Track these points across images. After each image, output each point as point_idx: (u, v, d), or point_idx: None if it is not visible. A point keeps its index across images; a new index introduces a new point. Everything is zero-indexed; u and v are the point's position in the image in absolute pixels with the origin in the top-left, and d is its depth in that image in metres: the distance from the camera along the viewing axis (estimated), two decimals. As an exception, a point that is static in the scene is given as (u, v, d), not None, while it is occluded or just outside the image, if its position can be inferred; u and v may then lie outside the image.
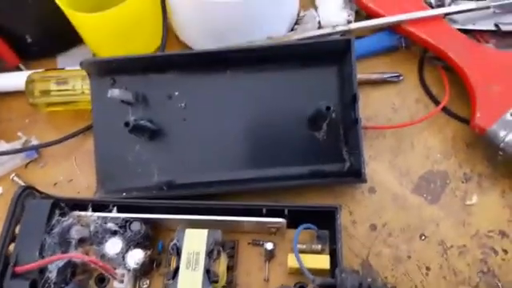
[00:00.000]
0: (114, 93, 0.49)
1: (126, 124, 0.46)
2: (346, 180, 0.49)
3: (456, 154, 0.52)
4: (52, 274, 0.40)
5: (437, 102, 0.54)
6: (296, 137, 0.49)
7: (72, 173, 0.55)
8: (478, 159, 0.51)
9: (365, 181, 0.47)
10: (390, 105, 0.54)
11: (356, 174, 0.47)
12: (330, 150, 0.49)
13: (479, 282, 0.45)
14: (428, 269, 0.46)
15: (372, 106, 0.54)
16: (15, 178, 0.55)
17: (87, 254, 0.42)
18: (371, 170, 0.50)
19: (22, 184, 0.53)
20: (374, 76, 0.56)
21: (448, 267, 0.46)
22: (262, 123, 0.50)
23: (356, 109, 0.47)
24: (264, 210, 0.43)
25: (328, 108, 0.45)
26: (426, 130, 0.53)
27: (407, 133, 0.53)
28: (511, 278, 0.45)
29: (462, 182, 0.50)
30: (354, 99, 0.48)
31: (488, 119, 0.48)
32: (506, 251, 0.47)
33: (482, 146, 0.51)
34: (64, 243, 0.42)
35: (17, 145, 0.56)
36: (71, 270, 0.43)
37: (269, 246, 0.43)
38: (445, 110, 0.53)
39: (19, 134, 0.57)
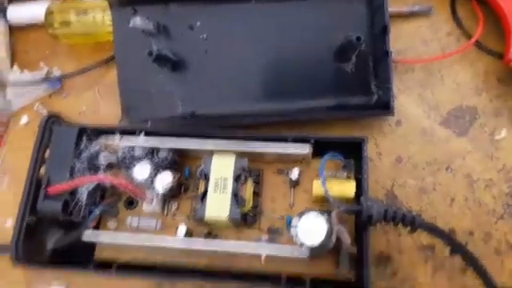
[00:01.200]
0: (136, 22, 0.48)
1: (150, 53, 0.45)
2: (374, 113, 0.48)
3: (487, 90, 0.50)
4: (82, 196, 0.41)
5: (469, 36, 0.52)
6: (323, 69, 0.48)
7: (95, 103, 0.55)
8: (509, 95, 0.50)
9: (392, 113, 0.46)
10: (420, 38, 0.53)
11: (384, 107, 0.46)
12: (358, 83, 0.48)
13: (504, 214, 0.45)
14: (453, 200, 0.46)
15: (402, 40, 0.52)
16: (39, 108, 0.55)
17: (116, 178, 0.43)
18: (399, 103, 0.49)
19: (46, 113, 0.53)
20: (405, 8, 0.54)
21: (473, 199, 0.46)
22: (288, 54, 0.49)
23: (387, 41, 0.46)
24: (289, 140, 0.43)
25: (358, 38, 0.44)
26: (456, 65, 0.52)
27: (437, 67, 0.51)
28: (536, 212, 0.45)
29: (492, 118, 0.49)
30: (385, 31, 0.46)
31: (523, 53, 0.47)
32: (532, 186, 0.46)
33: (515, 80, 0.50)
34: (93, 168, 0.42)
35: (39, 75, 0.55)
36: (100, 193, 0.44)
37: (294, 173, 0.43)
38: (477, 43, 0.52)
39: (41, 64, 0.56)
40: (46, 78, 0.55)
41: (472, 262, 0.38)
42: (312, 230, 0.38)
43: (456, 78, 0.51)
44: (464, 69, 0.51)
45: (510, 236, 0.44)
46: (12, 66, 0.56)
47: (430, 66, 0.52)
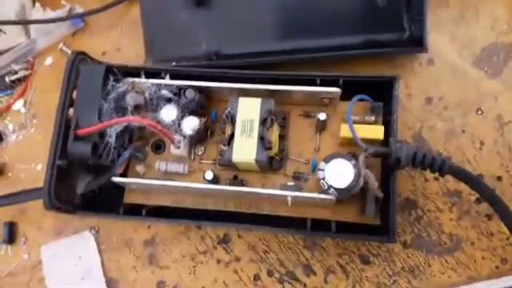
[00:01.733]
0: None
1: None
2: (406, 50, 0.46)
3: (525, 25, 0.48)
4: (111, 139, 0.41)
5: (509, -33, 0.49)
6: (353, 3, 0.46)
7: (119, 42, 0.54)
8: (549, 30, 0.47)
9: (426, 50, 0.44)
10: (456, -31, 0.50)
11: (417, 43, 0.45)
12: (390, 17, 0.46)
13: (534, 158, 0.45)
14: (482, 143, 0.45)
15: (437, -29, 0.50)
16: (64, 48, 0.55)
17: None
18: (431, 40, 0.47)
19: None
20: None
21: (503, 142, 0.45)
22: (317, -12, 0.47)
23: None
24: (318, 80, 0.42)
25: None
26: (493, -1, 0.49)
27: (473, 1, 0.49)
28: None
29: (528, 56, 0.47)
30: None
31: None
32: None
33: (556, 16, 0.47)
34: (120, 109, 0.42)
35: (62, 13, 0.55)
36: (129, 135, 0.44)
37: (322, 116, 0.42)
38: (517, -24, 0.48)
39: (63, 1, 0.55)
40: (69, 16, 0.54)
41: (500, 209, 0.38)
42: (339, 173, 0.38)
43: (492, 13, 0.49)
44: (501, 3, 0.49)
45: (540, 181, 0.44)
46: (34, 4, 0.55)
47: (466, 0, 0.49)
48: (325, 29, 0.47)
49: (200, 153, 0.45)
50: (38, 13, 0.55)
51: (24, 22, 0.54)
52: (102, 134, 0.41)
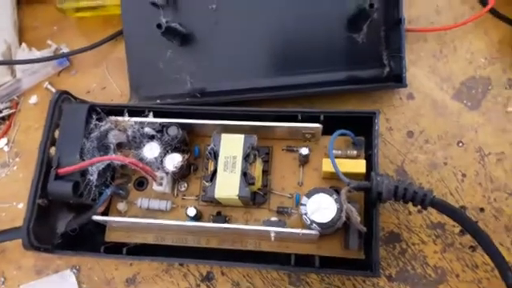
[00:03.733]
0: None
1: (159, 26, 0.45)
2: (385, 85, 0.47)
3: (501, 59, 0.49)
4: (93, 177, 0.41)
5: (484, 3, 0.50)
6: (333, 40, 0.47)
7: (104, 80, 0.55)
8: (523, 64, 0.49)
9: (405, 85, 0.45)
10: (433, 6, 0.51)
11: (396, 79, 0.46)
12: (369, 54, 0.47)
13: (516, 189, 0.45)
14: (464, 175, 0.46)
15: (414, 8, 0.51)
16: (49, 86, 0.55)
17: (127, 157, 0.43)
18: (410, 75, 0.48)
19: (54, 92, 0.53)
20: (417, -25, 0.52)
21: (485, 174, 0.46)
22: (298, 26, 0.48)
23: (400, 7, 0.45)
24: (299, 116, 0.43)
25: (371, 5, 0.43)
26: (470, 34, 0.50)
27: (450, 36, 0.50)
28: (548, 186, 0.45)
29: (505, 88, 0.48)
30: (398, -3, 0.45)
31: (540, 20, 0.45)
32: (545, 159, 0.46)
33: (530, 50, 0.48)
34: (102, 148, 0.42)
35: (47, 53, 0.55)
36: (111, 173, 0.44)
37: (304, 150, 0.43)
38: (492, 11, 0.50)
39: (49, 41, 0.56)
40: (55, 56, 0.55)
41: (483, 241, 0.38)
42: (321, 208, 0.38)
43: (469, 48, 0.50)
44: (478, 38, 0.50)
45: (522, 212, 0.44)
46: (20, 43, 0.56)
47: (443, 35, 0.50)
48: (307, 66, 0.48)
49: (183, 189, 0.45)
50: (23, 52, 0.55)
51: (10, 62, 0.55)
52: (83, 173, 0.41)
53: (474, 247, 0.43)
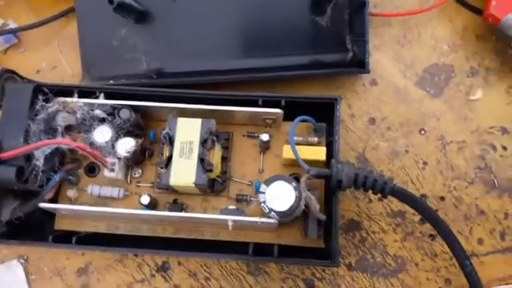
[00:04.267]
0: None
1: (110, 1, 0.42)
2: (348, 71, 0.46)
3: (464, 47, 0.49)
4: (39, 162, 0.38)
5: (449, -11, 0.50)
6: (296, 22, 0.46)
7: (55, 59, 0.51)
8: (486, 53, 0.48)
9: (368, 71, 0.44)
10: (398, -9, 0.50)
11: (359, 65, 0.45)
12: (333, 38, 0.46)
13: (475, 178, 0.45)
14: (425, 163, 0.45)
15: (379, -8, 0.50)
16: (-5, 64, 0.52)
17: (75, 141, 0.40)
18: (374, 61, 0.47)
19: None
20: (383, -42, 0.51)
21: (446, 162, 0.45)
22: (260, 6, 0.46)
23: (364, -10, 0.44)
24: (260, 101, 0.41)
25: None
26: (434, 20, 0.49)
27: (415, 22, 0.49)
28: (507, 175, 0.45)
29: (468, 77, 0.48)
30: (362, -21, 0.44)
31: (504, 8, 0.45)
32: (505, 148, 0.46)
33: (493, 38, 0.48)
34: (50, 131, 0.40)
35: (-7, 28, 0.52)
36: (59, 158, 0.41)
37: (264, 137, 0.41)
38: (457, -2, 0.49)
39: (-5, 16, 0.52)
40: (1, 31, 0.51)
41: (443, 230, 0.37)
42: (280, 196, 0.37)
43: (433, 34, 0.49)
44: (442, 24, 0.50)
45: (480, 201, 0.44)
46: (-38, 17, 0.52)
47: (408, 21, 0.50)
48: (268, 49, 0.46)
49: (137, 175, 0.43)
50: (-35, 27, 0.51)
51: (-50, 37, 0.51)
52: (28, 157, 0.38)
53: (434, 236, 0.43)
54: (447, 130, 0.46)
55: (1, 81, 0.40)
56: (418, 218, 0.44)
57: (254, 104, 0.41)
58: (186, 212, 0.41)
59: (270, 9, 0.46)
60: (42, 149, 0.38)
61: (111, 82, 0.46)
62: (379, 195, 0.38)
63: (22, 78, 0.42)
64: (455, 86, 0.48)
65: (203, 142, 0.39)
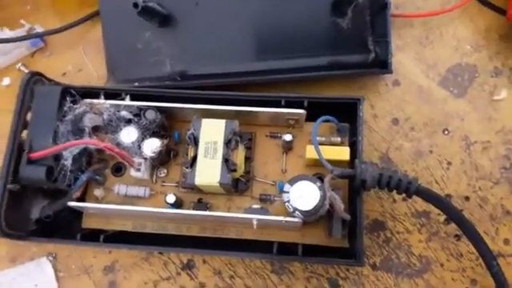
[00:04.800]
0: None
1: (135, 5, 0.43)
2: (370, 71, 0.46)
3: (487, 47, 0.48)
4: (67, 162, 0.39)
5: (471, -11, 0.50)
6: (317, 24, 0.46)
7: (81, 62, 0.52)
8: (510, 52, 0.48)
9: (391, 71, 0.44)
10: (419, -9, 0.50)
11: (381, 65, 0.45)
12: (354, 39, 0.46)
13: (500, 178, 0.44)
14: (449, 163, 0.45)
15: (400, -7, 0.50)
16: (22, 68, 0.53)
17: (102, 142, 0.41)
18: (396, 61, 0.47)
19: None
20: (405, -41, 0.51)
21: (470, 162, 0.45)
22: (282, 9, 0.46)
23: (386, -9, 0.44)
24: (283, 102, 0.41)
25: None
26: (457, 20, 0.49)
27: (437, 22, 0.49)
28: (533, 174, 0.44)
29: (492, 76, 0.47)
30: (384, -20, 0.44)
31: (528, 7, 0.45)
32: (530, 147, 0.45)
33: (517, 38, 0.48)
34: (77, 131, 0.41)
35: (20, 33, 0.53)
36: (87, 158, 0.42)
37: (287, 137, 0.42)
38: (479, -2, 0.49)
39: (22, 21, 0.53)
40: (28, 36, 0.52)
41: (468, 230, 0.37)
42: (304, 196, 0.37)
43: (456, 34, 0.49)
44: (464, 24, 0.49)
45: (506, 201, 0.44)
46: (-10, 23, 0.54)
47: (430, 21, 0.50)
48: (291, 50, 0.46)
49: (162, 175, 0.43)
50: (-6, 32, 0.53)
51: (-20, 42, 0.52)
52: (57, 157, 0.39)
53: (459, 236, 0.43)
54: (471, 129, 0.46)
55: (30, 83, 0.41)
56: (442, 218, 0.43)
57: (277, 105, 0.41)
58: (210, 211, 0.42)
59: (291, 11, 0.46)
60: (70, 149, 0.39)
61: (136, 84, 0.47)
62: (403, 195, 0.38)
63: (50, 80, 0.43)
64: (479, 86, 0.47)
65: (227, 143, 0.40)
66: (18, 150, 0.39)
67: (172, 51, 0.47)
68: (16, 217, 0.39)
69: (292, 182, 0.37)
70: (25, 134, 0.39)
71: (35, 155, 0.38)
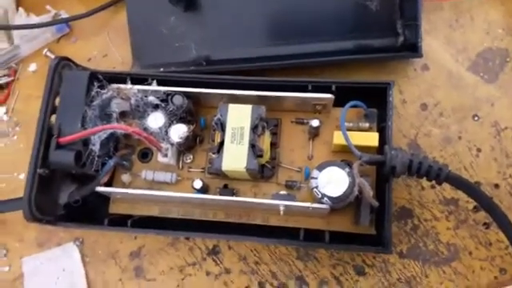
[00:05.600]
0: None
1: (163, -12, 0.43)
2: (400, 55, 0.45)
3: (520, 30, 0.47)
4: (95, 147, 0.39)
5: (503, -29, 0.48)
6: (346, 7, 0.45)
7: (106, 47, 0.53)
8: (543, 36, 0.47)
9: (421, 55, 0.43)
10: (450, -26, 0.49)
11: (411, 49, 0.44)
12: (383, 22, 0.45)
13: (531, 165, 0.44)
14: (479, 150, 0.44)
15: (430, -24, 0.49)
16: (48, 53, 0.53)
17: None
18: (426, 45, 0.46)
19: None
20: None
21: (500, 149, 0.44)
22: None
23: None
24: (309, 86, 0.41)
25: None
26: (487, 3, 0.48)
27: (467, 6, 0.48)
28: None
29: (524, 61, 0.46)
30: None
31: None
32: (562, 134, 0.44)
33: (551, 20, 0.46)
34: (105, 116, 0.41)
35: (46, 18, 0.53)
36: (114, 143, 0.42)
37: (315, 122, 0.41)
38: (512, -21, 0.48)
39: (47, 7, 0.54)
40: (54, 21, 0.53)
41: (499, 218, 0.36)
42: (333, 181, 0.37)
43: (486, 18, 0.48)
44: (495, 7, 0.48)
45: (539, 189, 0.43)
46: (17, 8, 0.54)
47: (460, 4, 0.48)
48: (317, 34, 0.46)
49: (188, 161, 0.43)
50: (21, 18, 0.53)
51: (7, 27, 0.53)
52: (85, 142, 0.39)
53: (488, 224, 0.42)
54: (502, 115, 0.45)
55: (58, 68, 0.41)
56: (471, 205, 0.43)
57: (303, 89, 0.41)
58: (236, 197, 0.42)
59: (319, -6, 0.45)
60: (98, 134, 0.39)
61: (161, 69, 0.47)
62: (432, 182, 0.37)
63: (77, 65, 0.43)
64: (510, 71, 0.46)
65: (254, 128, 0.39)
66: (47, 134, 0.39)
67: (197, 36, 0.47)
68: (45, 202, 0.39)
69: (320, 167, 0.37)
70: (53, 118, 0.40)
71: (64, 140, 0.38)
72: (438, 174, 0.36)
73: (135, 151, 0.44)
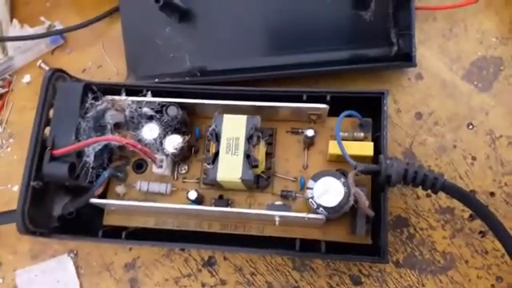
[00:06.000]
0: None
1: (157, 0, 0.43)
2: (394, 64, 0.45)
3: (513, 39, 0.47)
4: (89, 158, 0.39)
5: (496, -20, 0.48)
6: (340, 17, 0.45)
7: (101, 59, 0.53)
8: (536, 44, 0.47)
9: (415, 64, 0.43)
10: (443, -17, 0.49)
11: (405, 58, 0.44)
12: (377, 32, 0.45)
13: (527, 173, 0.44)
14: (474, 158, 0.44)
15: (423, -15, 0.49)
16: (42, 65, 0.53)
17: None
18: (419, 55, 0.46)
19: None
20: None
21: (495, 157, 0.44)
22: (303, 2, 0.46)
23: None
24: (304, 96, 0.41)
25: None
26: (481, 13, 0.48)
27: (460, 15, 0.48)
28: (560, 170, 0.43)
29: (517, 69, 0.46)
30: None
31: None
32: (557, 142, 0.44)
33: (544, 29, 0.47)
34: (99, 128, 0.41)
35: (40, 30, 0.53)
36: (108, 155, 0.42)
37: (309, 132, 0.41)
38: (504, -11, 0.48)
39: (42, 18, 0.54)
40: (48, 33, 0.53)
41: (495, 227, 0.36)
42: (328, 191, 0.36)
43: (480, 27, 0.48)
44: (488, 17, 0.48)
45: (534, 197, 0.43)
46: (11, 20, 0.54)
47: (453, 14, 0.49)
48: (312, 44, 0.46)
49: (183, 172, 0.43)
50: (15, 29, 0.53)
51: (1, 39, 0.53)
52: (79, 154, 0.39)
53: (484, 233, 0.42)
54: (496, 124, 0.45)
55: (52, 80, 0.41)
56: (467, 214, 0.43)
57: (298, 100, 0.41)
58: (231, 207, 0.41)
59: (313, 4, 0.46)
60: (92, 146, 0.39)
61: (156, 80, 0.47)
62: (427, 191, 0.37)
63: (71, 77, 0.43)
64: (504, 80, 0.46)
65: (249, 138, 0.39)
66: (40, 146, 0.39)
67: (192, 47, 0.47)
68: (39, 214, 0.39)
69: (316, 177, 0.37)
70: (47, 130, 0.40)
71: (58, 152, 0.38)
72: (433, 183, 0.36)
73: (130, 162, 0.44)
